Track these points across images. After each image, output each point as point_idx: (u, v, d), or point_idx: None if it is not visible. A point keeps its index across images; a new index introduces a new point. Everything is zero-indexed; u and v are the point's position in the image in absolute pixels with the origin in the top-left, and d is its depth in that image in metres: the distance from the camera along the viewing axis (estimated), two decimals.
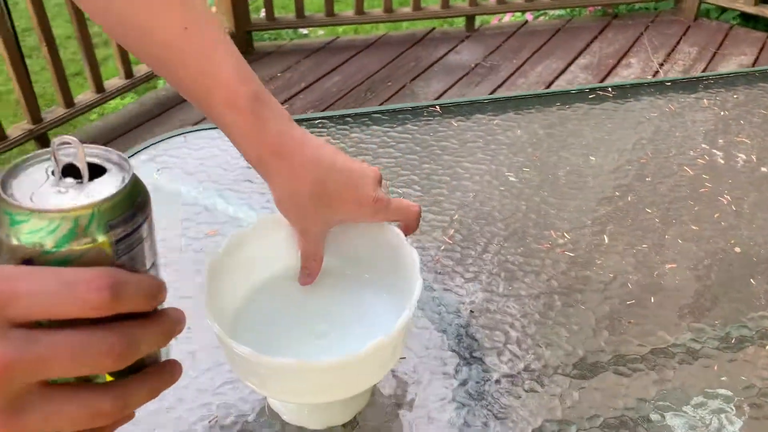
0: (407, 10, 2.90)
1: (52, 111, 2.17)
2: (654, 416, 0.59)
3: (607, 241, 0.78)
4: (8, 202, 0.27)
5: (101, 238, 0.28)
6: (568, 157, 0.91)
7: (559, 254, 0.76)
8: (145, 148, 0.93)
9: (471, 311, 0.69)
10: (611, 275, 0.73)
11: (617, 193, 0.85)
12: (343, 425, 0.58)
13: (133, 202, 0.29)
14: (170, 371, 0.32)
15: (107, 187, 0.29)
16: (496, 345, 0.65)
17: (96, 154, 0.31)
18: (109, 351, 0.26)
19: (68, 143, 0.29)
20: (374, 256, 0.59)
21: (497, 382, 0.62)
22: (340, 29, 3.10)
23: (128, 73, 2.35)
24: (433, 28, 3.10)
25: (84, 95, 2.29)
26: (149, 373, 0.31)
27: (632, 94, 1.06)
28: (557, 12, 3.36)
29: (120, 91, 2.37)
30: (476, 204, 0.83)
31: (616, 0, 3.18)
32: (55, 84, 2.15)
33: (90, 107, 2.28)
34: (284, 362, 0.46)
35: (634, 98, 1.05)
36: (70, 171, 0.29)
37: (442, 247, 0.76)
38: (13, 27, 2.01)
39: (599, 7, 3.33)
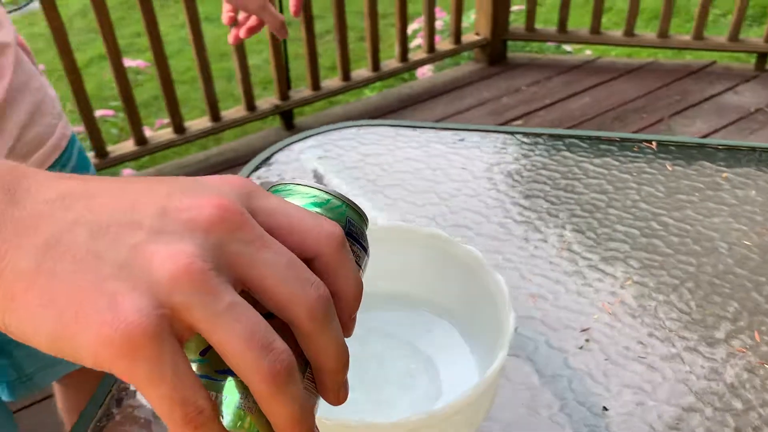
0: (687, 38, 2.57)
1: (300, 91, 2.32)
2: None
3: None
4: (273, 183, 0.32)
5: (340, 224, 0.29)
6: None
7: None
8: (317, 134, 0.89)
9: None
10: None
11: None
12: None
13: (363, 235, 0.31)
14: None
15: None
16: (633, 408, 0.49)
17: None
18: (314, 285, 0.25)
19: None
20: (444, 286, 0.47)
21: None
22: (613, 51, 2.85)
23: (375, 66, 2.41)
24: (714, 62, 2.71)
25: (331, 81, 2.40)
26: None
27: None
28: None
29: (366, 82, 2.44)
30: (661, 273, 0.65)
31: None
32: (307, 67, 2.28)
33: (334, 93, 2.39)
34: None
35: None
36: None
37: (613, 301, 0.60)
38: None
39: None
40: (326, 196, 0.30)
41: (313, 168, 0.82)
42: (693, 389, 0.54)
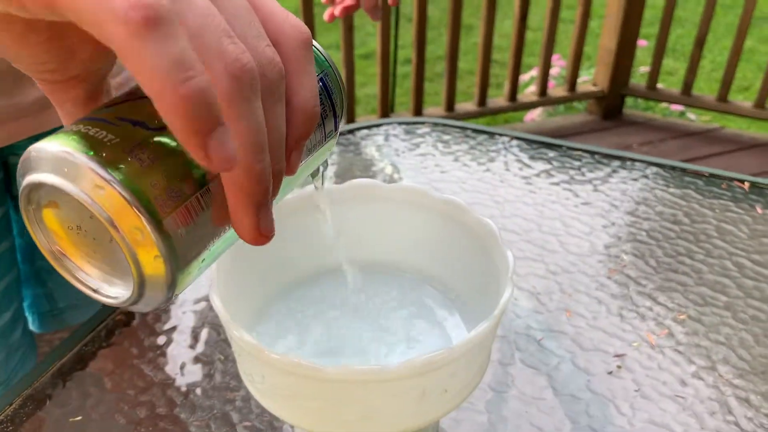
0: None
1: (401, 114, 2.32)
2: None
3: None
4: None
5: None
6: None
7: None
8: (385, 124, 0.86)
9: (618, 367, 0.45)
10: None
11: None
12: None
13: (337, 104, 0.28)
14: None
15: None
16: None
17: None
18: (269, 46, 0.21)
19: None
20: (450, 257, 0.43)
21: None
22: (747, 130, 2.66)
23: (482, 101, 2.38)
24: None
25: (434, 109, 2.39)
26: None
27: None
28: None
29: (468, 116, 2.42)
30: (724, 313, 0.56)
31: None
32: (412, 92, 2.28)
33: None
34: (278, 359, 0.33)
35: None
36: None
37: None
38: (396, 36, 2.21)
39: None
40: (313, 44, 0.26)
41: (368, 152, 0.80)
42: None
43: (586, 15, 2.38)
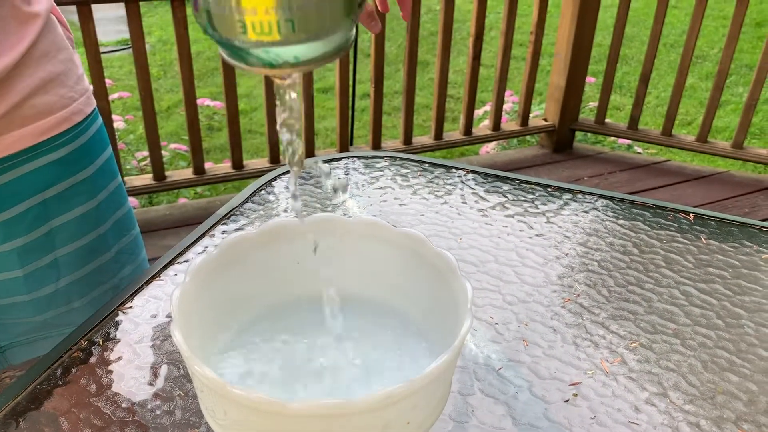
0: (764, 152, 2.48)
1: (360, 147, 2.35)
2: None
3: None
4: None
5: None
6: None
7: None
8: (346, 158, 0.88)
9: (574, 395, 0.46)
10: None
11: None
12: None
13: None
14: None
15: None
16: None
17: None
18: None
19: None
20: (410, 289, 0.43)
21: None
22: (691, 163, 2.76)
23: (438, 135, 2.43)
24: None
25: (392, 142, 2.43)
26: None
27: None
28: None
29: (426, 149, 2.46)
30: (673, 341, 0.58)
31: None
32: (371, 126, 2.31)
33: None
34: (240, 395, 0.33)
35: None
36: None
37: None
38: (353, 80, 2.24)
39: None
40: None
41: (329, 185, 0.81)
42: None
43: (536, 53, 2.47)
